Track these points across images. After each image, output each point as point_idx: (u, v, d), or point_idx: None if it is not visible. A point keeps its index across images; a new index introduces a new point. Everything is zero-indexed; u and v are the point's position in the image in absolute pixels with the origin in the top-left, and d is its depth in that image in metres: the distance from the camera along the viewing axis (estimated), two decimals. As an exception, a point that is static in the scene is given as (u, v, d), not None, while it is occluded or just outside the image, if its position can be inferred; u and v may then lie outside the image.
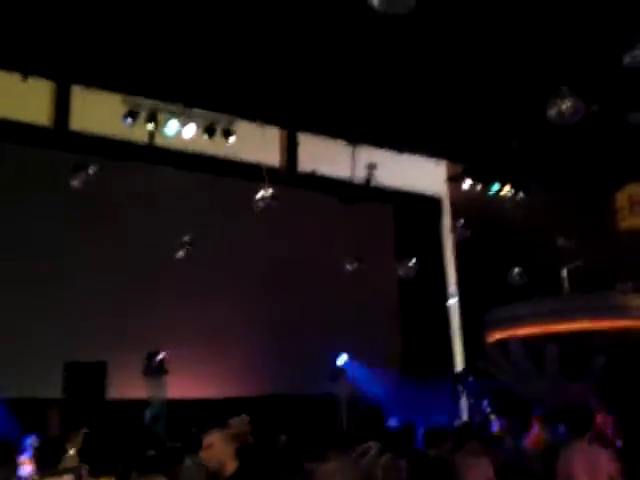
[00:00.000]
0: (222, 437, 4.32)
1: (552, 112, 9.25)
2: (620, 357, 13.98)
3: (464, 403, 16.25)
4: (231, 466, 4.32)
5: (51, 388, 12.03)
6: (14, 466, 6.02)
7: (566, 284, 15.59)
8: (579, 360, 14.32)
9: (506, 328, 15.38)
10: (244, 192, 13.78)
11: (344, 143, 14.63)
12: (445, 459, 6.44)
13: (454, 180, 16.95)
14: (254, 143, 14.27)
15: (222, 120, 13.84)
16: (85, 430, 7.44)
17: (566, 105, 9.04)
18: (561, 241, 14.71)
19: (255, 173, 14.38)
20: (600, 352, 14.31)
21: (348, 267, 13.90)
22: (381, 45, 11.17)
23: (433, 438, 6.93)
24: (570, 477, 5.32)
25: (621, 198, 16.29)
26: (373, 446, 5.08)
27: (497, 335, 15.60)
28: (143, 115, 13.20)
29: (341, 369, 14.95)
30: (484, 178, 16.05)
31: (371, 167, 14.99)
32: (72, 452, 6.68)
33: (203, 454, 4.38)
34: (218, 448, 4.32)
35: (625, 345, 14.20)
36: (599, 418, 9.32)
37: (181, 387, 13.17)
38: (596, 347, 14.37)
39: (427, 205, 17.44)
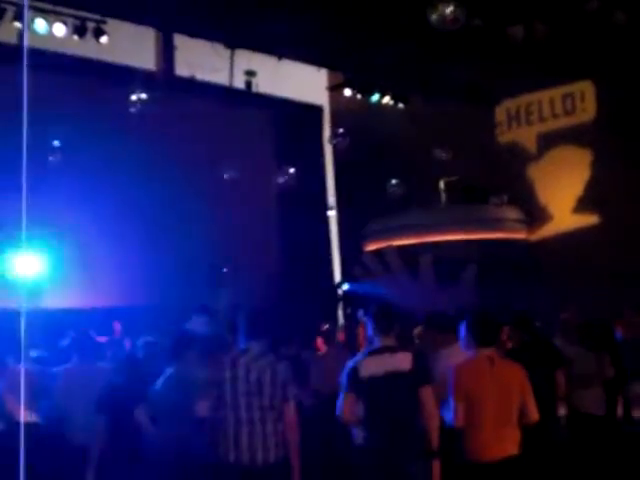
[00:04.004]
0: None
1: (434, 16, 9.18)
2: (492, 267, 14.39)
3: (341, 311, 16.51)
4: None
5: None
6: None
7: (443, 196, 15.88)
8: (452, 269, 14.69)
9: (383, 238, 15.62)
10: (119, 96, 13.32)
11: (222, 47, 14.22)
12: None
13: (335, 89, 16.82)
14: (129, 45, 13.71)
15: (93, 20, 13.14)
16: None
17: (448, 9, 8.96)
18: (439, 153, 14.87)
19: (130, 76, 13.88)
20: (472, 262, 14.71)
21: (225, 176, 13.72)
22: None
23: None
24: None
25: (499, 113, 16.53)
26: (254, 347, 4.97)
27: (374, 245, 15.83)
28: (9, 15, 12.41)
29: (220, 278, 14.84)
30: (364, 88, 15.97)
31: (250, 73, 14.66)
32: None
33: None
34: None
35: (497, 256, 14.65)
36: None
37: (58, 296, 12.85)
38: (469, 258, 14.77)
39: (307, 114, 17.28)
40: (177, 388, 5.50)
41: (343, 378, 5.12)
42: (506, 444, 4.97)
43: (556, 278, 14.02)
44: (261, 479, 4.86)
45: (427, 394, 5.00)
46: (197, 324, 7.79)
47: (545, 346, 6.97)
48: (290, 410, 4.95)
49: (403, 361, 5.07)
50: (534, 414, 5.08)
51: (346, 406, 5.04)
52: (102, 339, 9.61)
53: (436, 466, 4.94)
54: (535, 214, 15.63)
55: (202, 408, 5.06)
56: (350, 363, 5.20)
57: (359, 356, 5.26)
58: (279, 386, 4.92)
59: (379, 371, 5.03)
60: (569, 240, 14.94)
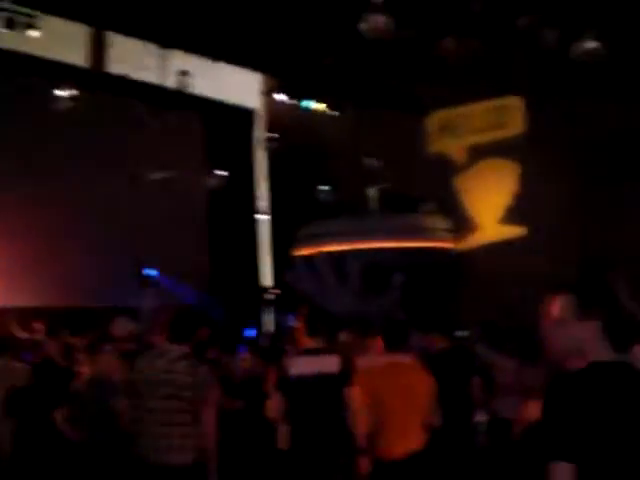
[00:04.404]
0: None
1: (364, 26, 9.26)
2: (419, 276, 14.53)
3: (271, 317, 16.46)
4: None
5: None
6: None
7: (373, 204, 15.98)
8: (380, 277, 14.79)
9: (314, 244, 15.63)
10: (48, 92, 13.07)
11: (156, 46, 14.08)
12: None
13: (268, 93, 16.79)
14: (60, 40, 13.47)
15: (23, 12, 12.89)
16: None
17: (379, 20, 9.05)
18: (370, 161, 14.97)
19: (61, 72, 13.64)
20: (400, 270, 14.82)
21: (154, 176, 13.58)
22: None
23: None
24: None
25: (430, 123, 16.72)
26: (174, 349, 4.89)
27: (305, 250, 15.83)
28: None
29: (148, 280, 14.68)
30: (298, 93, 15.99)
31: (183, 74, 14.52)
32: None
33: None
34: None
35: (425, 264, 14.80)
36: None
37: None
38: (397, 266, 14.89)
39: (240, 117, 17.18)
40: (95, 389, 5.42)
41: (272, 377, 5.18)
42: (411, 444, 5.08)
43: (482, 287, 14.23)
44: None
45: (353, 395, 5.06)
46: (119, 325, 7.68)
47: (464, 353, 7.08)
48: (209, 414, 4.90)
49: (331, 363, 5.16)
50: (435, 419, 5.20)
51: (273, 404, 5.08)
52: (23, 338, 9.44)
53: (363, 463, 4.99)
54: (463, 224, 15.87)
55: (121, 409, 5.00)
56: (278, 362, 5.28)
57: (289, 356, 5.33)
58: (199, 389, 4.87)
59: (308, 372, 5.14)
60: (495, 250, 15.20)
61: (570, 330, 2.57)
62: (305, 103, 16.07)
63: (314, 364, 5.19)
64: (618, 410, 2.42)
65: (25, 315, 11.93)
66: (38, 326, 11.14)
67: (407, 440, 5.09)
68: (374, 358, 5.46)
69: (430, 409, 5.20)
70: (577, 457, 2.35)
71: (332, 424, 5.12)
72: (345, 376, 5.16)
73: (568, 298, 2.61)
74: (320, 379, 5.15)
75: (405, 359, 5.29)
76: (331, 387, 5.14)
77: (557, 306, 2.62)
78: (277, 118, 16.56)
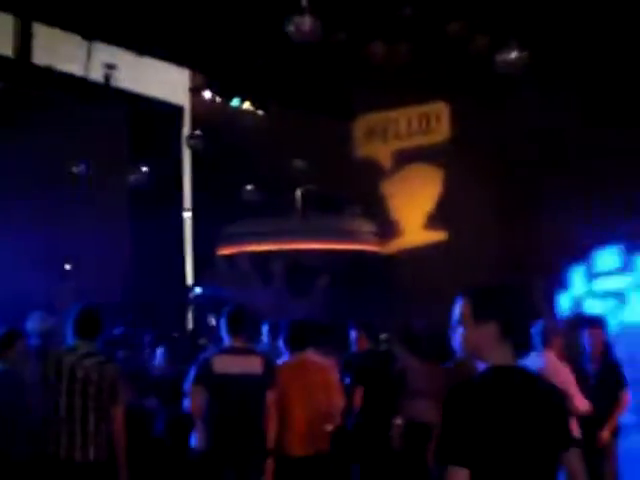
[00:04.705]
0: None
1: (291, 28, 9.28)
2: (344, 278, 14.63)
3: (191, 315, 16.32)
4: None
5: None
6: None
7: (298, 205, 16.03)
8: (304, 278, 14.86)
9: (237, 243, 15.62)
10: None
11: (81, 39, 13.84)
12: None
13: (196, 90, 16.68)
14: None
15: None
16: None
17: (305, 23, 9.09)
18: (297, 162, 15.00)
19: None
20: (325, 272, 14.92)
21: (74, 170, 13.35)
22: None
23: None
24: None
25: (357, 127, 16.85)
26: (82, 346, 4.83)
27: (228, 250, 15.80)
28: None
29: (63, 275, 14.39)
30: (226, 92, 15.93)
31: (109, 67, 14.31)
32: None
33: None
34: None
35: (349, 267, 14.92)
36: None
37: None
38: (321, 267, 14.98)
39: (167, 113, 16.99)
40: (4, 386, 5.32)
41: (192, 372, 5.16)
42: (316, 442, 5.19)
43: (405, 290, 14.39)
44: (81, 476, 4.77)
45: (272, 397, 5.22)
46: (32, 321, 7.53)
47: (385, 355, 7.17)
48: (118, 412, 4.87)
49: (255, 364, 5.23)
50: (333, 416, 5.42)
51: (194, 399, 5.10)
52: None
53: (269, 464, 5.11)
54: (387, 228, 16.04)
55: (31, 405, 4.94)
56: (202, 357, 5.31)
57: (211, 352, 5.35)
58: (106, 387, 4.82)
59: (234, 370, 5.15)
60: (419, 254, 15.40)
61: (466, 333, 2.62)
62: (233, 102, 16.01)
63: (240, 363, 5.20)
64: (512, 416, 2.47)
65: None
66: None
67: (311, 438, 5.21)
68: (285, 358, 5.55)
69: (335, 409, 5.33)
70: (471, 462, 2.39)
71: (251, 424, 5.16)
72: (268, 378, 5.25)
73: (466, 302, 2.65)
74: (243, 378, 5.16)
75: (313, 358, 5.41)
76: (254, 387, 5.19)
77: (457, 310, 2.66)
78: (204, 116, 16.46)
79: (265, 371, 5.23)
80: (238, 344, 5.29)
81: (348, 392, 6.37)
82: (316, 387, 5.32)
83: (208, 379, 5.11)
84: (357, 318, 7.67)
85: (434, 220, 15.68)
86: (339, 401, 5.51)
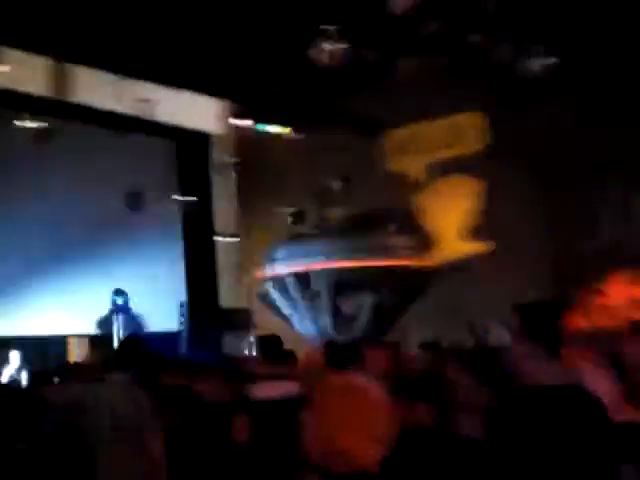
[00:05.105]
0: None
1: (316, 53, 9.34)
2: (388, 295, 14.62)
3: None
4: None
5: None
6: None
7: (334, 224, 16.08)
8: (346, 297, 14.89)
9: (280, 266, 15.71)
10: (9, 122, 13.04)
11: (115, 76, 14.17)
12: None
13: (226, 118, 16.86)
14: (21, 72, 13.48)
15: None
16: None
17: (331, 47, 9.16)
18: (330, 182, 15.08)
19: (23, 103, 13.64)
20: (366, 290, 14.92)
21: (117, 203, 13.61)
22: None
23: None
24: None
25: (388, 142, 16.85)
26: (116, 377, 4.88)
27: (271, 273, 15.89)
28: None
29: (123, 307, 14.63)
30: (254, 117, 16.11)
31: (143, 101, 14.59)
32: None
33: None
34: None
35: (392, 283, 14.91)
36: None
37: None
38: (363, 285, 14.98)
39: (197, 141, 17.17)
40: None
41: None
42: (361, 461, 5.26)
43: (446, 304, 14.32)
44: None
45: (307, 417, 5.20)
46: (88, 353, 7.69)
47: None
48: (154, 443, 4.87)
49: (291, 388, 5.31)
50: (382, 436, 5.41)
51: (240, 427, 5.21)
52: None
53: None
54: (424, 242, 15.97)
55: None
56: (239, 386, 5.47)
57: (251, 380, 5.46)
58: (140, 418, 4.83)
59: (271, 395, 5.26)
60: (458, 267, 15.33)
61: (513, 350, 2.62)
62: (262, 126, 16.18)
63: (276, 388, 5.30)
64: (552, 434, 2.47)
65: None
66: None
67: (359, 457, 5.26)
68: (327, 378, 5.59)
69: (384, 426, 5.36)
70: None
71: (290, 445, 5.24)
72: (303, 399, 5.31)
73: (515, 317, 2.64)
74: (282, 403, 5.22)
75: (357, 379, 5.44)
76: (291, 410, 5.26)
77: (508, 325, 2.65)
78: (235, 141, 16.65)
79: (300, 394, 5.27)
80: (273, 370, 5.46)
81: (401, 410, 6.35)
82: (364, 407, 5.35)
83: (249, 407, 5.24)
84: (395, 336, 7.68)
85: (472, 231, 15.63)
86: (388, 420, 5.52)
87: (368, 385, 5.56)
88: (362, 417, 5.30)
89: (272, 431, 5.18)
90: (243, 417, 5.25)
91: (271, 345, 5.61)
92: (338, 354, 5.53)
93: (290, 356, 6.40)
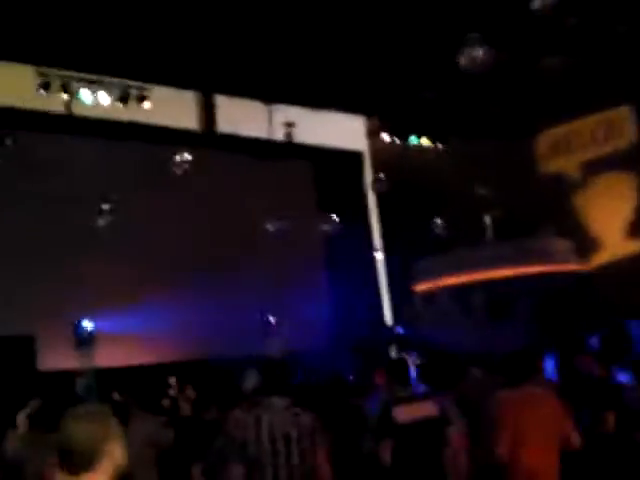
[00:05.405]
0: None
1: (463, 60, 9.29)
2: (545, 301, 14.24)
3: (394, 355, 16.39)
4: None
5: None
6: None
7: (489, 232, 15.79)
8: (504, 306, 14.57)
9: (432, 278, 15.56)
10: (163, 157, 13.62)
11: (261, 103, 14.57)
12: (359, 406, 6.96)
13: (373, 135, 16.98)
14: (171, 107, 14.14)
15: (134, 86, 13.67)
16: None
17: (476, 53, 9.09)
18: (481, 189, 14.85)
19: (174, 137, 14.24)
20: (526, 296, 14.56)
21: (270, 227, 13.91)
22: (290, 2, 11.08)
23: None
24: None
25: (540, 144, 16.51)
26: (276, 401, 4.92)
27: (423, 285, 15.76)
28: (56, 86, 13.00)
29: (270, 328, 14.92)
30: (402, 131, 16.13)
31: (289, 125, 14.93)
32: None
33: None
34: None
35: (549, 289, 14.49)
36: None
37: (111, 355, 13.10)
38: (521, 292, 14.62)
39: (348, 160, 17.39)
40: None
41: (373, 421, 5.59)
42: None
43: (613, 306, 13.76)
44: None
45: (452, 435, 5.52)
46: (250, 378, 7.81)
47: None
48: (323, 463, 4.80)
49: (430, 408, 5.51)
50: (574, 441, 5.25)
51: (386, 450, 5.34)
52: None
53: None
54: (585, 243, 15.45)
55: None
56: (378, 407, 5.68)
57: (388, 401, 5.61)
58: (304, 439, 4.76)
59: (413, 417, 5.44)
60: (624, 267, 14.75)
61: None
62: (410, 140, 16.18)
63: (416, 410, 5.49)
64: None
65: (156, 372, 12.34)
66: (173, 382, 11.55)
67: (544, 470, 5.17)
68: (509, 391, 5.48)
69: (566, 433, 5.23)
70: None
71: (434, 462, 5.40)
72: (444, 418, 5.51)
73: None
74: (424, 423, 5.44)
75: (537, 390, 5.33)
76: (433, 429, 5.45)
77: None
78: (384, 158, 16.70)
79: (440, 412, 5.52)
80: (406, 393, 5.65)
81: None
82: (547, 418, 5.19)
83: (393, 431, 5.43)
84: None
85: (635, 229, 15.01)
86: (568, 426, 5.30)
87: (548, 396, 5.42)
88: (549, 427, 5.17)
89: (417, 451, 5.36)
90: (388, 440, 5.38)
91: (399, 368, 5.81)
92: (516, 367, 5.42)
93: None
